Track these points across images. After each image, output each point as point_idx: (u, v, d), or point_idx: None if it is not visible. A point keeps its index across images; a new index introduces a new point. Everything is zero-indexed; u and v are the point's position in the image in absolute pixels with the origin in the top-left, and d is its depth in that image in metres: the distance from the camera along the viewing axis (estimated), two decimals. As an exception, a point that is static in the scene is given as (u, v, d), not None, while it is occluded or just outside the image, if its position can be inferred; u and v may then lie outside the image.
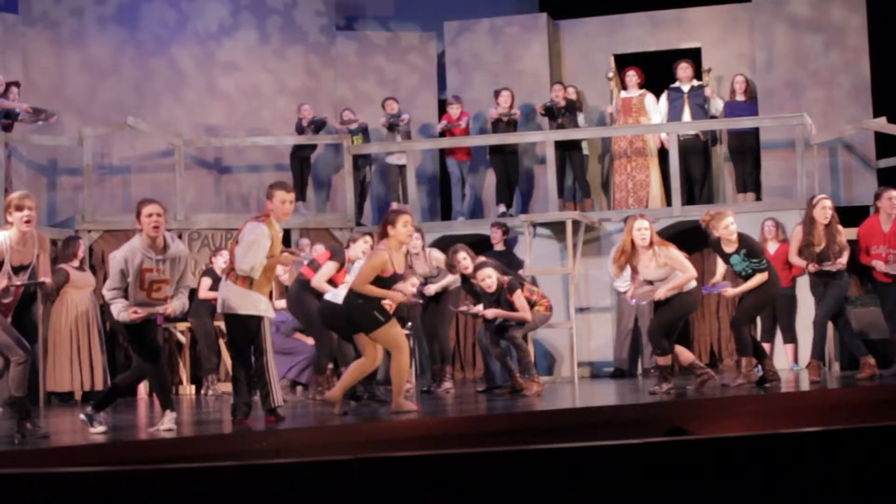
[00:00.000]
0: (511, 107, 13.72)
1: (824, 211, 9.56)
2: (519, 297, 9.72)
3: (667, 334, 8.99)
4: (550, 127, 13.63)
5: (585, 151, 13.92)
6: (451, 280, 10.41)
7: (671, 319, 8.98)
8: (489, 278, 9.66)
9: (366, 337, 8.01)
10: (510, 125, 13.69)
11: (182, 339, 12.50)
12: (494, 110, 13.71)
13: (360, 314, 7.93)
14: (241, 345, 7.65)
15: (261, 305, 7.58)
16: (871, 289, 12.30)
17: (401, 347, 7.99)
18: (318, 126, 13.94)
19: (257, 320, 7.55)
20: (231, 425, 7.47)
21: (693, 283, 8.99)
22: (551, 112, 13.55)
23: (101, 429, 7.18)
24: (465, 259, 9.99)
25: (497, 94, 13.75)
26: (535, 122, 14.24)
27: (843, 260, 9.53)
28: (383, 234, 7.95)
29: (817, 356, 9.60)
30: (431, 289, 10.48)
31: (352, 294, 8.00)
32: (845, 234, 9.80)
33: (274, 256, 7.56)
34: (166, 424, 7.14)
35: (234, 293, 7.54)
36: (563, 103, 13.47)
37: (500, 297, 9.74)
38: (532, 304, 9.87)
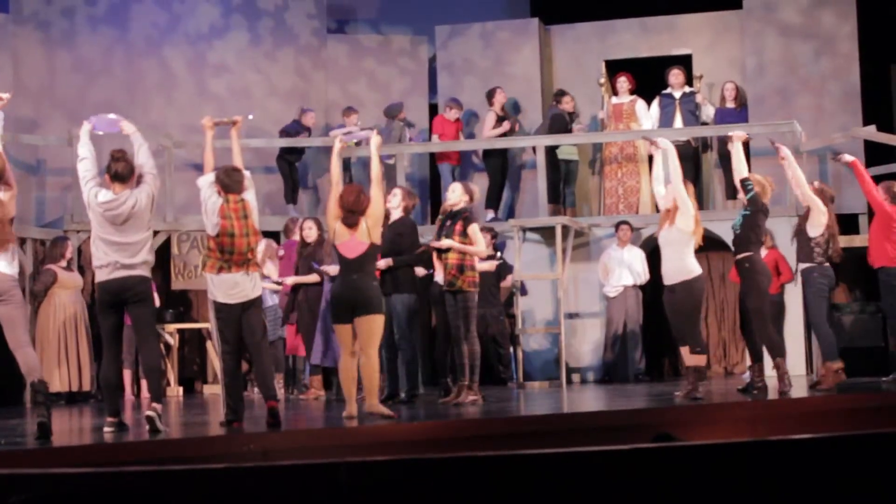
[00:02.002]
0: (503, 109, 13.78)
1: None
2: (476, 231, 9.02)
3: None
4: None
5: (574, 157, 13.93)
6: None
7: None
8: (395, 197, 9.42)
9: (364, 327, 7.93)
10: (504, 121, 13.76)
11: (171, 340, 12.48)
12: (489, 120, 13.73)
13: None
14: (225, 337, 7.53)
15: (233, 290, 7.42)
16: (860, 296, 12.36)
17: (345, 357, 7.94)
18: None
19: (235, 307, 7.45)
20: (220, 428, 7.44)
21: (693, 272, 8.94)
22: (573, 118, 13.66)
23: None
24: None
25: (490, 96, 13.78)
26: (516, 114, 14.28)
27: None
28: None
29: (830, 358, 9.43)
30: (333, 268, 9.92)
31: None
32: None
33: None
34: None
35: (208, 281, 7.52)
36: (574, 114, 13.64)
37: (454, 222, 9.10)
38: (459, 268, 9.00)
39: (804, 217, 9.49)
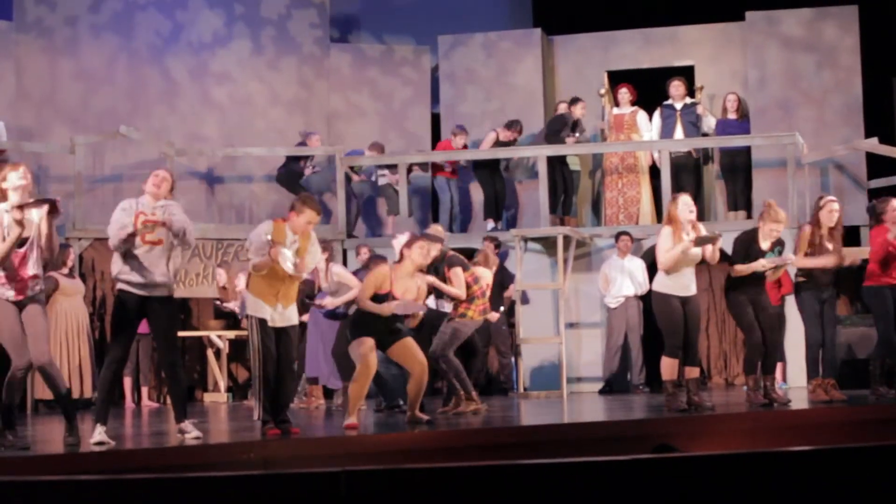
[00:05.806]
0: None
1: (831, 214, 9.09)
2: (457, 275, 9.24)
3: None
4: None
5: (576, 167, 13.93)
6: (352, 296, 9.69)
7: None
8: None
9: (402, 352, 8.17)
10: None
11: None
12: (489, 140, 13.72)
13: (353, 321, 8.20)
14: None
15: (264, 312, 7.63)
16: (861, 308, 12.34)
17: (364, 369, 7.99)
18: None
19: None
20: (223, 435, 7.44)
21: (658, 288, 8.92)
22: (575, 126, 13.58)
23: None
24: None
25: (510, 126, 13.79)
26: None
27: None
28: (401, 256, 8.29)
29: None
30: (328, 300, 10.18)
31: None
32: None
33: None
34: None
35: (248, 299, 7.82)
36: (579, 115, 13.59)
37: (438, 269, 9.27)
38: (469, 299, 9.25)
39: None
